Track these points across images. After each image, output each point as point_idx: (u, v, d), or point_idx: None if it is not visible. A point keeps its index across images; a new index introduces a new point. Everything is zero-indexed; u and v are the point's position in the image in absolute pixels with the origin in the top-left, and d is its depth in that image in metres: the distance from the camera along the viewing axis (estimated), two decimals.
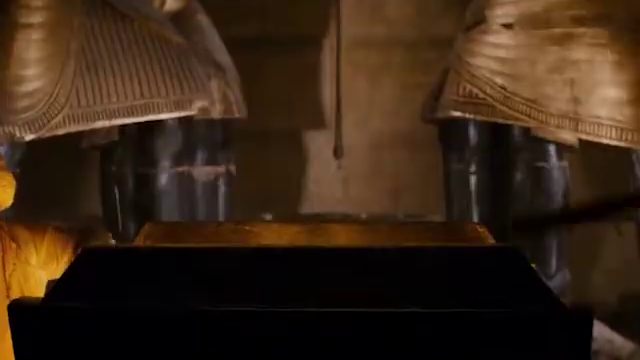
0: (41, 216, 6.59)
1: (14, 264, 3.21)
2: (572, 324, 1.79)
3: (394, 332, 1.78)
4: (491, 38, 5.84)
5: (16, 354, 1.84)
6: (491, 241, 2.19)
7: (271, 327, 1.79)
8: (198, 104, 5.94)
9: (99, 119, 5.82)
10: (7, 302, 2.66)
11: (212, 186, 6.12)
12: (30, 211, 6.33)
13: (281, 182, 7.04)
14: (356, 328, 1.78)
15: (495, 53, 5.82)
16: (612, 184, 6.71)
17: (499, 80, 5.80)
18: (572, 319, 1.79)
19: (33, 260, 3.21)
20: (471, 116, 5.89)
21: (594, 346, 2.04)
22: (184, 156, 6.05)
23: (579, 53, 5.74)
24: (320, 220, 5.71)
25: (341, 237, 2.21)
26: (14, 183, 3.48)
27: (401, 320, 1.79)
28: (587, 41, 5.70)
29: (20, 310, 1.85)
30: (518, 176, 6.03)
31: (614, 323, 6.04)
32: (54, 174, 6.73)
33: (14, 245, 3.27)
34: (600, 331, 5.66)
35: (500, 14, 5.83)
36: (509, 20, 5.82)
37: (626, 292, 6.61)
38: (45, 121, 5.73)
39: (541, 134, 5.93)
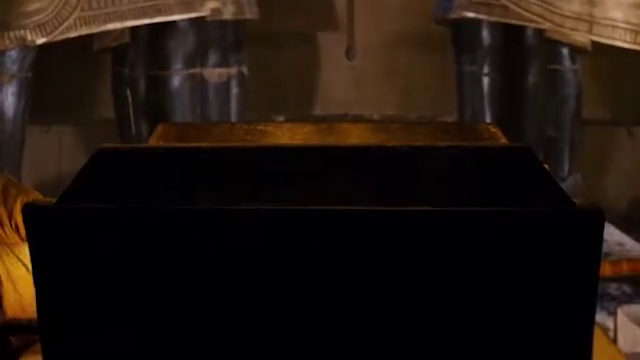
0: (54, 120, 6.61)
1: None
2: (583, 223, 1.79)
3: (404, 231, 1.79)
4: None
5: (32, 257, 1.84)
6: (504, 141, 2.18)
7: (285, 225, 1.80)
8: (210, 5, 5.90)
9: (110, 21, 5.80)
10: None
11: (224, 88, 6.11)
12: (42, 115, 6.34)
13: (293, 84, 7.02)
14: (366, 227, 1.79)
15: None
16: (625, 88, 6.68)
17: None
18: (583, 218, 1.79)
19: None
20: (484, 17, 5.84)
21: (604, 248, 2.05)
22: (196, 58, 6.03)
23: None
24: (332, 120, 5.71)
25: (354, 136, 2.21)
26: None
27: (411, 219, 1.79)
28: None
29: (34, 212, 1.84)
30: (531, 78, 6.00)
31: (625, 226, 6.07)
32: (66, 78, 6.71)
33: None
34: (611, 233, 5.69)
35: None
36: None
37: (637, 196, 6.63)
38: (56, 24, 5.70)
39: (555, 36, 5.89)
